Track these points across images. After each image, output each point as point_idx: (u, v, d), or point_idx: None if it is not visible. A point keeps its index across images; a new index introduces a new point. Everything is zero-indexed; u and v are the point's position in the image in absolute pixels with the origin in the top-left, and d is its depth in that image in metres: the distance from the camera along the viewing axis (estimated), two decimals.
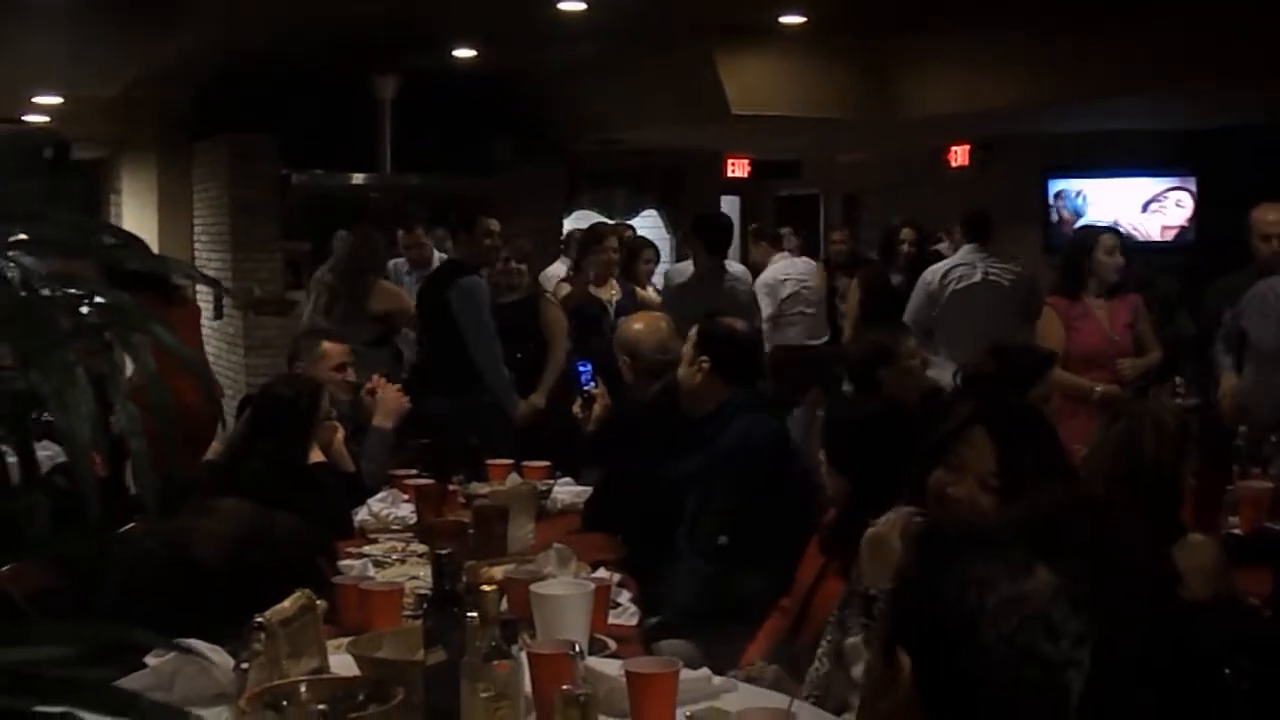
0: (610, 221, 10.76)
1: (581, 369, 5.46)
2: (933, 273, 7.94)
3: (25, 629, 0.98)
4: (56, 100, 10.18)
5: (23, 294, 1.13)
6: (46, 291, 1.18)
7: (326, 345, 5.48)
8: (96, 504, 1.10)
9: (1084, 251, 6.50)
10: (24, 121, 10.17)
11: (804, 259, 10.31)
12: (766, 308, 9.17)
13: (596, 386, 4.85)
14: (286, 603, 2.91)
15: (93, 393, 1.10)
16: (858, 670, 2.99)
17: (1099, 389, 6.20)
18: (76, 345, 1.12)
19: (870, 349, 5.18)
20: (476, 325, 7.13)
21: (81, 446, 1.07)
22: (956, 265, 7.93)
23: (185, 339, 5.23)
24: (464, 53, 10.58)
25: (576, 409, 4.80)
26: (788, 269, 9.76)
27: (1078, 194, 11.85)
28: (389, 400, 5.34)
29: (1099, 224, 9.51)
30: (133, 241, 1.34)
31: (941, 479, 3.05)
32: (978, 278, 7.79)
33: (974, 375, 4.90)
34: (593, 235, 8.85)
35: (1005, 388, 4.43)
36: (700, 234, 8.35)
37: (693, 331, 4.82)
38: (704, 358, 4.60)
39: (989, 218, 8.22)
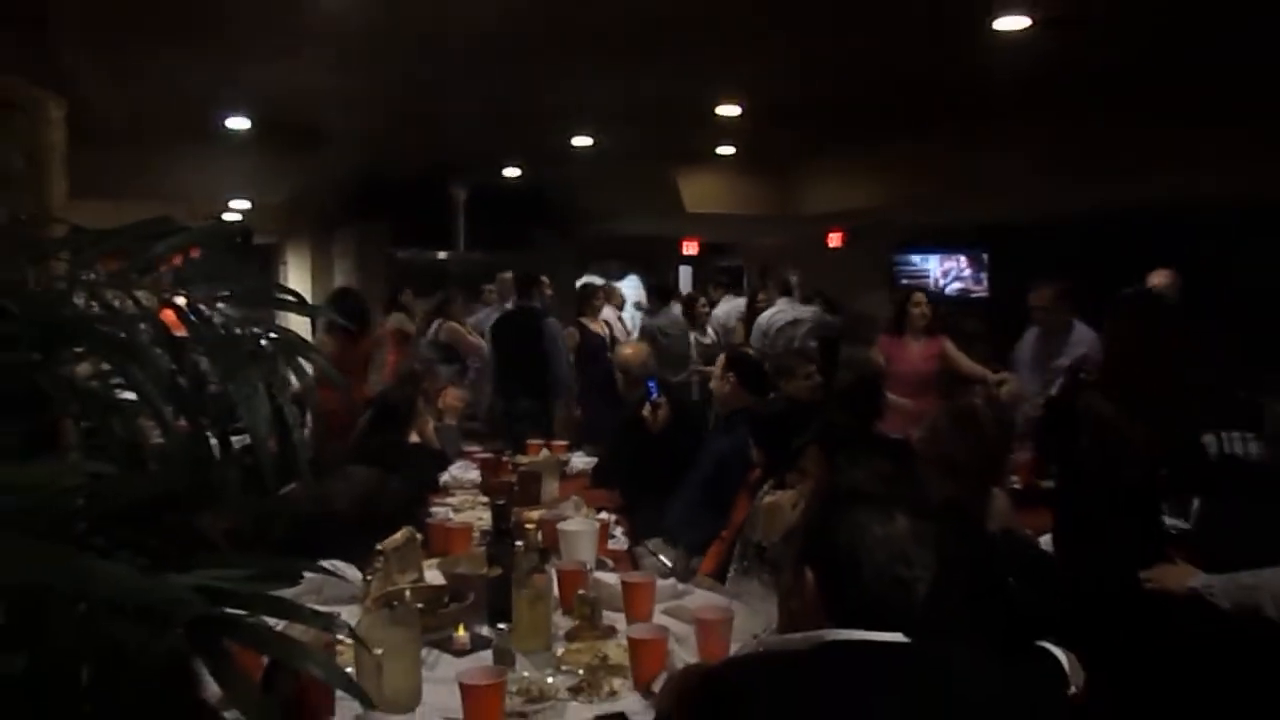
0: (600, 282, 10.69)
1: (650, 384, 5.43)
2: (765, 318, 8.39)
3: (220, 557, 0.96)
4: (245, 204, 10.14)
5: (223, 331, 1.12)
6: (239, 330, 1.17)
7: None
8: (271, 474, 1.08)
9: (902, 304, 6.30)
10: (222, 219, 10.13)
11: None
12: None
13: (660, 397, 4.76)
14: (397, 535, 2.90)
15: (268, 399, 1.09)
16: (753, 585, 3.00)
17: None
18: (258, 366, 1.10)
19: (777, 367, 5.13)
20: (557, 353, 7.31)
21: (261, 436, 1.06)
22: (778, 311, 8.37)
23: (359, 364, 5.09)
24: (511, 170, 10.58)
25: (646, 413, 4.72)
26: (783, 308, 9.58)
27: (917, 263, 11.87)
28: (451, 405, 5.31)
29: (914, 284, 9.65)
30: (295, 296, 1.33)
31: (794, 479, 3.06)
32: (790, 317, 8.28)
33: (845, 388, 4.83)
34: (584, 292, 8.81)
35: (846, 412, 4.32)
36: (657, 291, 8.80)
37: (722, 356, 4.80)
38: (730, 374, 4.56)
39: (788, 280, 8.66)
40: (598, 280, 11.24)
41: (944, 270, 11.73)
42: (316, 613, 0.92)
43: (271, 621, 0.93)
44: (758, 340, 8.17)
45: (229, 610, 0.89)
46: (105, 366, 1.04)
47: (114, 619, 0.76)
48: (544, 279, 7.84)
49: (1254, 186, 7.20)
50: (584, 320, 8.10)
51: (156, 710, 0.80)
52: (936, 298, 11.09)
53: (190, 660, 0.85)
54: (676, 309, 8.98)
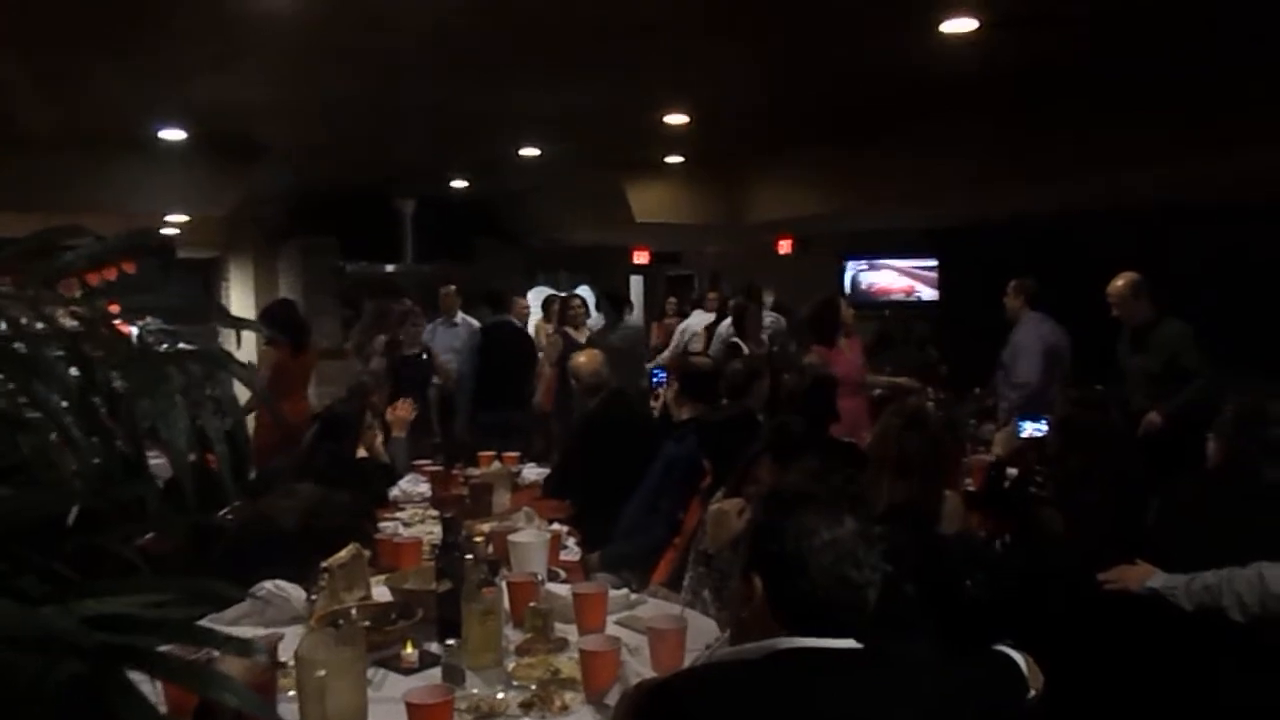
0: (560, 293, 10.72)
1: (655, 374, 5.46)
2: (725, 324, 8.28)
3: (132, 581, 0.92)
4: (183, 218, 9.97)
5: (138, 346, 1.08)
6: (156, 345, 1.13)
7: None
8: (191, 492, 1.04)
9: (834, 310, 6.40)
10: (145, 230, 9.97)
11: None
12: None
13: (666, 387, 4.80)
14: (343, 553, 2.84)
15: (188, 415, 1.04)
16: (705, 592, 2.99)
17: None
18: (175, 381, 1.06)
19: (745, 372, 5.10)
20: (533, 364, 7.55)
21: (180, 451, 1.01)
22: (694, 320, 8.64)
23: (300, 378, 5.05)
24: (458, 182, 10.52)
25: (663, 398, 4.77)
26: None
27: (865, 269, 11.96)
28: (400, 419, 5.24)
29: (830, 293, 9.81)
30: (221, 310, 1.28)
31: (746, 490, 3.06)
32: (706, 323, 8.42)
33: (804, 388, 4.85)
34: (565, 300, 8.77)
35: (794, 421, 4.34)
36: (609, 300, 8.61)
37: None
38: (676, 383, 4.56)
39: (757, 288, 8.65)
40: (548, 290, 11.27)
41: (896, 277, 11.83)
42: (230, 638, 0.88)
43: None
44: (717, 349, 8.17)
45: (149, 638, 0.85)
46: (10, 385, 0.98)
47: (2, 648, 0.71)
48: (508, 294, 8.00)
49: (1199, 185, 7.34)
50: (568, 330, 8.13)
51: None
52: (884, 305, 11.30)
53: (110, 690, 0.81)
54: (632, 317, 8.99)
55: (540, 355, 8.22)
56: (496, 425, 7.11)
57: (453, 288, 8.66)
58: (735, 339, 7.54)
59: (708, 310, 9.50)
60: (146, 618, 0.82)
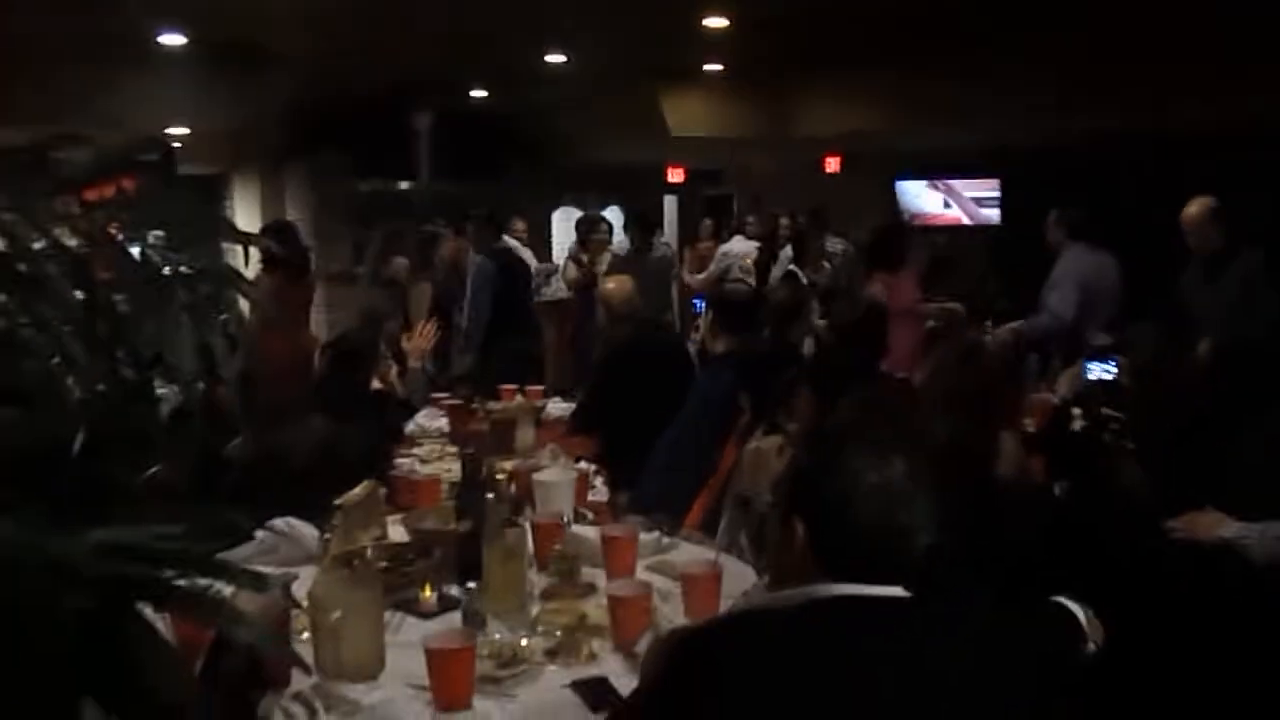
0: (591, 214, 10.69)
1: (695, 301, 5.49)
2: (786, 250, 8.28)
3: (144, 511, 0.94)
4: (184, 131, 9.99)
5: (141, 264, 1.09)
6: (166, 266, 1.14)
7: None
8: (201, 419, 1.06)
9: (900, 237, 6.48)
10: (145, 138, 10.00)
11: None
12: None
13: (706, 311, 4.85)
14: (357, 489, 2.88)
15: (197, 337, 1.06)
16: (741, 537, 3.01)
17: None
18: (183, 302, 1.07)
19: (790, 301, 5.08)
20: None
21: (188, 379, 1.02)
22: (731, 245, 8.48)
23: (300, 306, 5.07)
24: (479, 93, 10.46)
25: (700, 333, 4.79)
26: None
27: (921, 191, 11.82)
28: (417, 348, 5.26)
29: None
30: (229, 225, 1.30)
31: (784, 425, 3.06)
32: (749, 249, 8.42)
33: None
34: (587, 222, 8.79)
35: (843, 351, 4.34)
36: (636, 223, 8.48)
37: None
38: (711, 314, 4.56)
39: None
40: (576, 212, 11.23)
41: (950, 198, 11.69)
42: (245, 571, 0.90)
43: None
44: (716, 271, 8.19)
45: (159, 570, 0.87)
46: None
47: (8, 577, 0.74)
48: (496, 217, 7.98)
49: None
50: (584, 256, 8.18)
51: (68, 674, 0.78)
52: (939, 230, 11.18)
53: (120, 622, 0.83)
54: (663, 242, 8.92)
55: (556, 281, 8.29)
56: (516, 355, 7.18)
57: (487, 210, 8.68)
58: (793, 266, 7.49)
59: (749, 236, 9.43)
60: (158, 548, 0.84)
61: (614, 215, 12.79)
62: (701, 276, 8.94)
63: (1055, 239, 6.41)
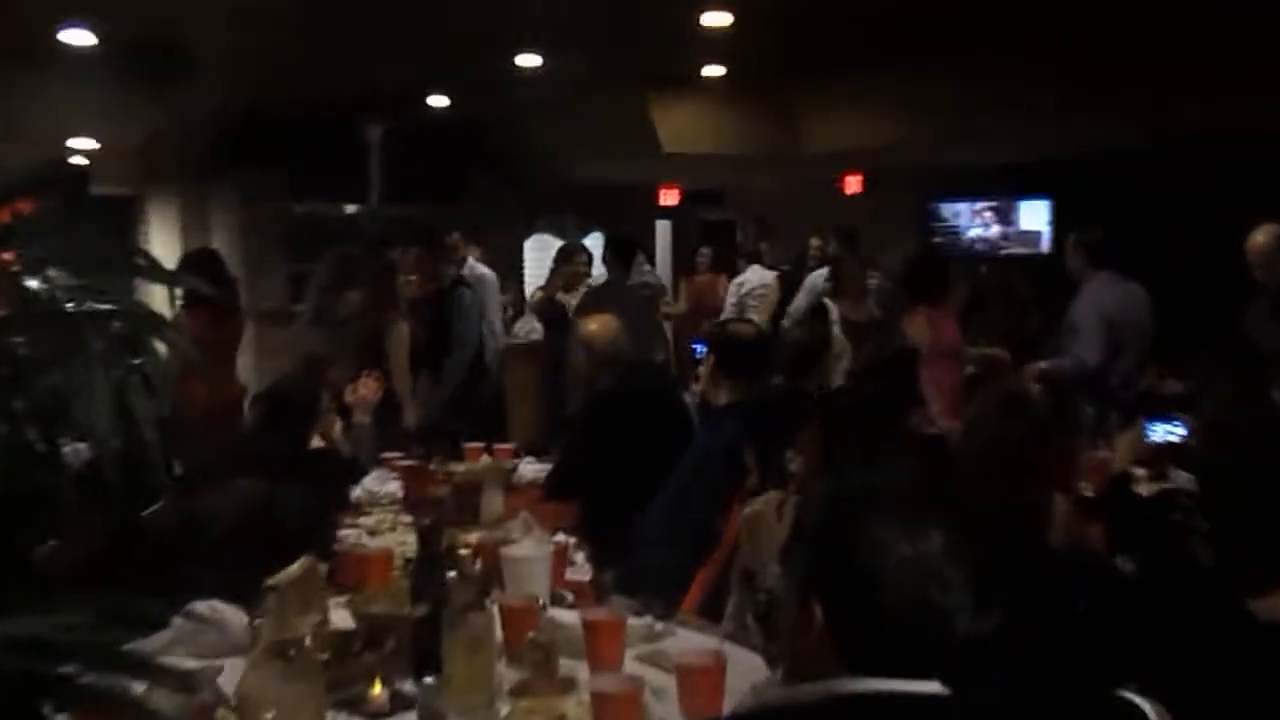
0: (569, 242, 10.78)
1: (696, 345, 5.56)
2: (816, 275, 8.35)
3: (46, 599, 0.93)
4: (91, 145, 10.01)
5: (48, 305, 1.09)
6: (71, 303, 1.14)
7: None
8: (119, 487, 1.06)
9: (937, 264, 6.63)
10: (55, 161, 10.04)
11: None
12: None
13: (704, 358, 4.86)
14: (294, 567, 2.86)
15: (112, 392, 1.06)
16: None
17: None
18: (99, 350, 1.07)
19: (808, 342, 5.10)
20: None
21: (103, 438, 1.03)
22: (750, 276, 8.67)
23: (226, 348, 5.06)
24: (438, 101, 10.54)
25: (694, 383, 4.80)
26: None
27: (956, 214, 11.91)
28: (362, 399, 5.27)
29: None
30: (147, 259, 1.30)
31: (789, 456, 3.07)
32: (771, 279, 8.60)
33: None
34: (564, 252, 8.93)
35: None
36: (612, 248, 8.59)
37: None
38: (711, 356, 4.56)
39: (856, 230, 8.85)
40: (551, 239, 11.32)
41: (992, 222, 11.77)
42: (167, 669, 0.89)
43: None
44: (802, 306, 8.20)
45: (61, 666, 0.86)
46: None
47: None
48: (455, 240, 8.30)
49: None
50: (555, 295, 8.40)
51: None
52: (979, 258, 11.24)
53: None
54: (645, 269, 8.93)
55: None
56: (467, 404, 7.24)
57: (458, 235, 8.76)
58: (827, 300, 7.52)
59: (766, 266, 9.42)
60: (60, 640, 0.84)
61: (596, 243, 12.92)
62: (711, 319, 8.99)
63: (1074, 266, 6.54)
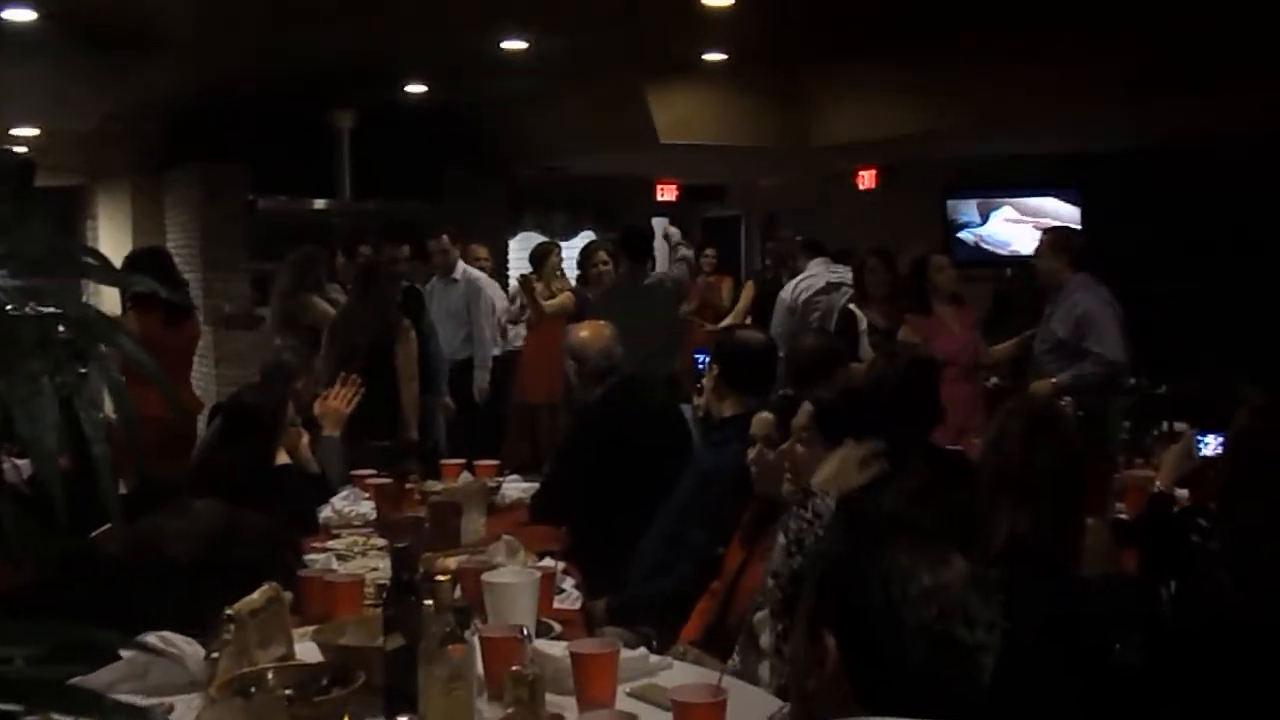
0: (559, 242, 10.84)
1: (698, 354, 5.57)
2: (786, 288, 8.42)
3: None
4: (33, 132, 10.01)
5: None
6: (10, 306, 1.14)
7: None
8: (64, 507, 1.05)
9: (920, 274, 6.88)
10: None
11: None
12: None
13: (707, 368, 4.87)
14: (255, 595, 2.86)
15: (59, 403, 1.06)
16: (765, 640, 2.99)
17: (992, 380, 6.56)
18: (43, 357, 1.07)
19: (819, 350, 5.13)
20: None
21: (48, 453, 1.02)
22: (805, 277, 8.40)
23: (180, 355, 5.06)
24: (415, 87, 10.54)
25: (697, 398, 4.80)
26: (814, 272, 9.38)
27: (976, 212, 11.93)
28: (332, 411, 5.28)
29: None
30: (97, 258, 1.30)
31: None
32: (821, 284, 8.25)
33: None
34: (585, 253, 9.18)
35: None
36: (624, 246, 8.53)
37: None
38: (714, 366, 4.57)
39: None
40: (539, 238, 11.36)
41: (1019, 221, 11.79)
42: (120, 704, 0.89)
43: None
44: (782, 321, 8.13)
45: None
46: None
47: None
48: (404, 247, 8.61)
49: None
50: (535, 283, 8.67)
51: None
52: (1005, 261, 11.26)
53: None
54: (659, 270, 8.90)
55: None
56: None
57: (445, 236, 8.95)
58: (853, 306, 7.49)
59: (835, 263, 9.21)
60: (6, 677, 0.83)
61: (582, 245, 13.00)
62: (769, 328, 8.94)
63: (1049, 269, 6.63)
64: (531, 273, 9.25)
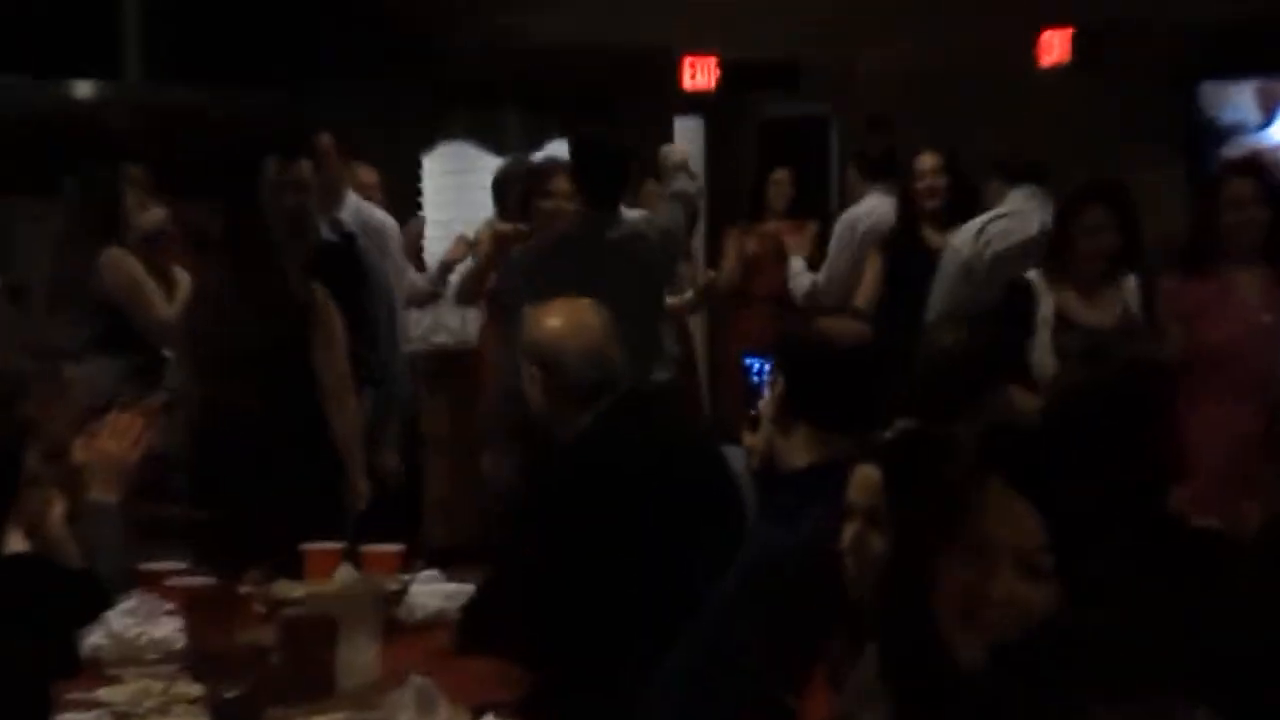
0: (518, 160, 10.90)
1: (750, 360, 5.52)
2: (964, 233, 8.45)
3: None
4: None
5: None
6: None
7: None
8: None
9: (1210, 205, 6.88)
10: None
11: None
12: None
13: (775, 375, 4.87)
14: None
15: None
16: None
17: None
18: None
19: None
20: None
21: None
22: (997, 217, 8.49)
23: None
24: None
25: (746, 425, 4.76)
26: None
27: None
28: (106, 458, 5.14)
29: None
30: None
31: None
32: (1034, 230, 8.23)
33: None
34: (535, 176, 9.18)
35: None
36: (578, 173, 8.49)
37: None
38: (779, 378, 4.58)
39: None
40: (471, 150, 11.46)
41: None
42: None
43: None
44: (952, 291, 8.25)
45: None
46: None
47: None
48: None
49: None
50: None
51: None
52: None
53: None
54: (636, 214, 8.87)
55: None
56: None
57: (328, 136, 8.92)
58: (1031, 277, 7.56)
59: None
60: None
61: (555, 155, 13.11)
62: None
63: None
64: (496, 214, 9.29)
